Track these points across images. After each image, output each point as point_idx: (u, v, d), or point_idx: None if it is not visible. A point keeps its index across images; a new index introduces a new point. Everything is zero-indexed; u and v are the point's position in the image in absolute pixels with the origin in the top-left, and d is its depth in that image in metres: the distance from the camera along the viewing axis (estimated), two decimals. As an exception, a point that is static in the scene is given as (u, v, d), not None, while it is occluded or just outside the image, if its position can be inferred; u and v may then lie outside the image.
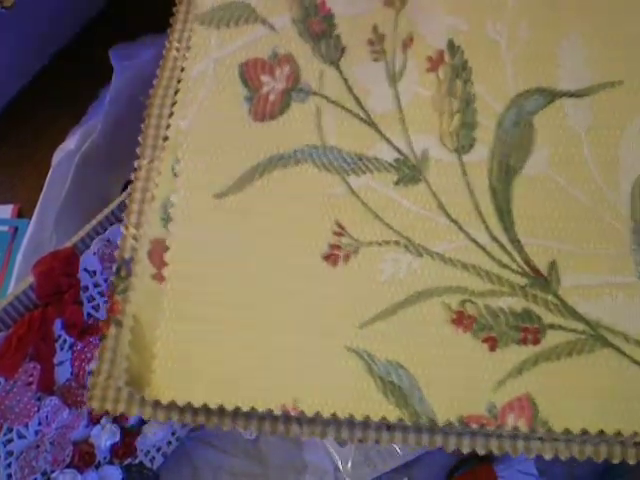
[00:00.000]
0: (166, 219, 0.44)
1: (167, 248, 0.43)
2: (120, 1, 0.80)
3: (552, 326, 0.40)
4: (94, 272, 0.51)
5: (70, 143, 0.66)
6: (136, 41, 0.69)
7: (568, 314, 0.40)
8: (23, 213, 0.71)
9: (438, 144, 0.43)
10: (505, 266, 0.41)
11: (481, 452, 0.40)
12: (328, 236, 0.42)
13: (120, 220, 0.51)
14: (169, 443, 0.62)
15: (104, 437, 0.56)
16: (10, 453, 0.51)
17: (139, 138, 0.47)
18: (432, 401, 0.39)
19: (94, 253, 0.51)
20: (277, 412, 0.39)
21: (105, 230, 0.51)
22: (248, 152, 0.44)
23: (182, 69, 0.48)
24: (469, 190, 0.42)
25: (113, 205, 0.51)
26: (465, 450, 0.40)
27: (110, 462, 0.58)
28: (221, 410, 0.40)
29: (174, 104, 0.47)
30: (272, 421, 0.40)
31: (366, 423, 0.39)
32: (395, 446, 0.60)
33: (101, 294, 0.53)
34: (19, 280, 0.60)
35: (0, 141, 0.74)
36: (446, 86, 0.44)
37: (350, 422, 0.40)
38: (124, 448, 0.58)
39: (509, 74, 0.44)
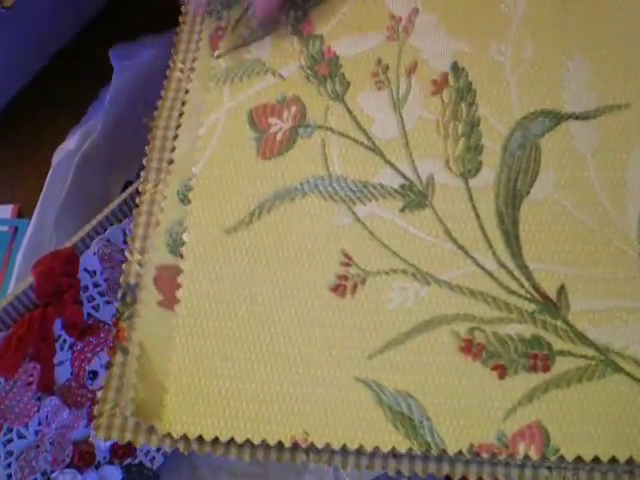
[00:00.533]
0: (171, 245, 0.44)
1: (177, 279, 0.43)
2: (120, 1, 0.80)
3: (562, 352, 0.39)
4: (94, 272, 0.52)
5: (70, 143, 0.66)
6: (136, 41, 0.69)
7: (578, 340, 0.40)
8: (23, 213, 0.71)
9: (444, 169, 0.43)
10: (513, 292, 0.40)
11: (488, 479, 0.40)
12: (335, 267, 0.42)
13: (120, 220, 0.52)
14: (169, 443, 0.62)
15: (104, 437, 0.57)
16: (10, 453, 0.52)
17: (143, 161, 0.48)
18: (442, 431, 0.39)
19: (94, 253, 0.51)
20: (288, 445, 0.40)
21: (105, 230, 0.51)
22: (257, 189, 0.44)
23: (186, 91, 0.48)
24: (476, 215, 0.42)
25: (113, 205, 0.51)
26: (473, 478, 0.40)
27: (110, 462, 0.58)
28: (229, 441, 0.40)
29: (179, 126, 0.47)
30: (279, 450, 0.41)
31: (374, 451, 0.40)
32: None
33: (101, 294, 0.53)
34: (19, 280, 0.60)
35: (0, 141, 0.74)
36: (450, 109, 0.44)
37: (357, 450, 0.40)
38: (124, 448, 0.58)
39: (514, 96, 0.43)
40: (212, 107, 0.46)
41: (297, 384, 0.41)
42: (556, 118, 0.43)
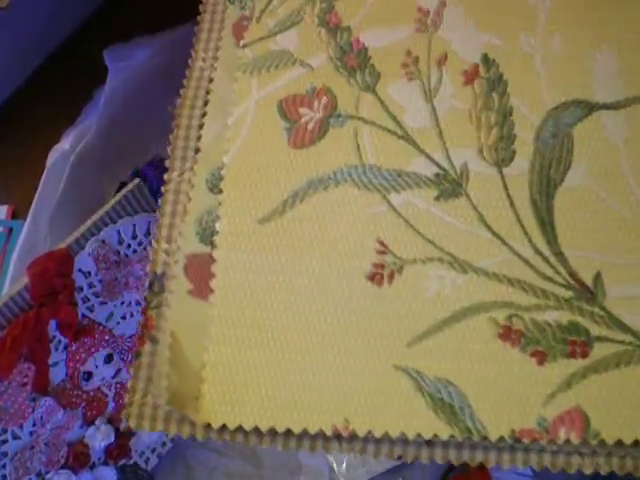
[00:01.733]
0: (201, 234, 0.44)
1: (207, 268, 0.43)
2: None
3: (599, 338, 0.40)
4: (89, 273, 0.52)
5: (65, 144, 0.66)
6: (131, 42, 0.69)
7: (615, 326, 0.40)
8: (18, 214, 0.71)
9: (477, 157, 0.43)
10: (549, 279, 0.41)
11: (521, 467, 0.40)
12: (371, 255, 0.42)
13: (115, 221, 0.52)
14: (163, 444, 0.62)
15: (99, 438, 0.57)
16: (5, 454, 0.52)
17: (168, 149, 0.47)
18: (483, 417, 0.39)
19: (89, 254, 0.51)
20: (329, 433, 0.39)
21: (100, 231, 0.52)
22: (289, 178, 0.44)
23: (210, 80, 0.48)
24: (510, 203, 0.42)
25: (108, 206, 0.52)
26: (506, 466, 0.40)
27: (104, 463, 0.59)
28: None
29: (203, 115, 0.47)
30: (311, 439, 0.41)
31: (405, 439, 0.40)
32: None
33: (96, 295, 0.53)
34: (14, 281, 0.61)
35: (-3, 141, 0.74)
36: (482, 100, 0.44)
37: (389, 438, 0.40)
38: (118, 449, 0.59)
39: (544, 87, 0.44)
40: (241, 97, 0.46)
41: (336, 373, 0.40)
42: (587, 108, 0.43)
